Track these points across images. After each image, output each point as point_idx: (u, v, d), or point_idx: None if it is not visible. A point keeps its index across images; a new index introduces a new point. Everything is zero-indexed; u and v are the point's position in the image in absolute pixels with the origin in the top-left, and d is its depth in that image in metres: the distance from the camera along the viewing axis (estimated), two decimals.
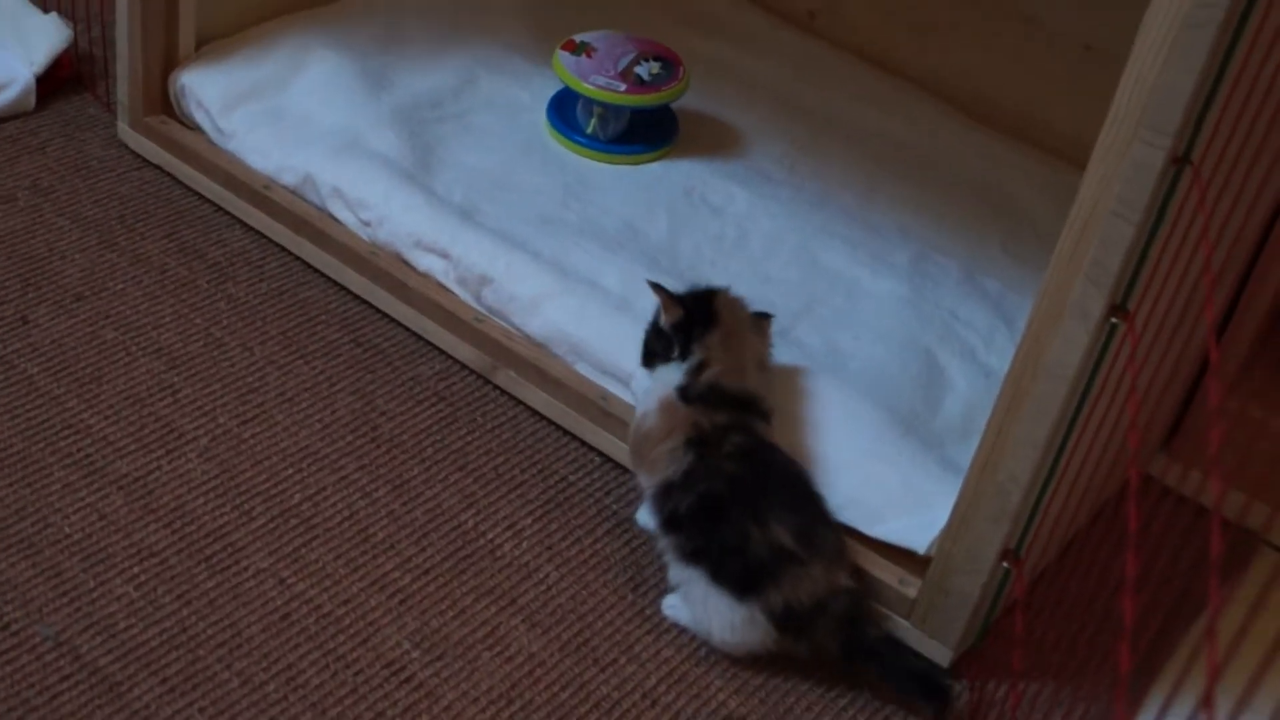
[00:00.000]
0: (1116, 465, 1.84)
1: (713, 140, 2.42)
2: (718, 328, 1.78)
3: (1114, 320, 1.46)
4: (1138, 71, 1.36)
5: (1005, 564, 1.64)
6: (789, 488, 1.71)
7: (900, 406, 1.93)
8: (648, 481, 1.76)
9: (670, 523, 1.72)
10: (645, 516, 1.83)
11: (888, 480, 1.81)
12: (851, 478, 1.81)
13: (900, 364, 2.01)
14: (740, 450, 1.71)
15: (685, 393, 1.75)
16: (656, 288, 1.81)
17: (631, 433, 1.82)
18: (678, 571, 1.72)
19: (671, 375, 1.78)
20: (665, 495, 1.72)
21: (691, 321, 1.78)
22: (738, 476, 1.69)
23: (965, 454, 1.74)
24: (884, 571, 1.76)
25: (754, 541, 1.65)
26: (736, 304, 1.84)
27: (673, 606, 1.76)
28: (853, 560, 1.74)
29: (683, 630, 1.74)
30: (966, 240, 2.26)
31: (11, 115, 2.37)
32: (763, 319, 1.87)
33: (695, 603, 1.71)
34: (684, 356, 1.77)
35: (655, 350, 1.81)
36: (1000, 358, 2.03)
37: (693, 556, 1.69)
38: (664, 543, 1.73)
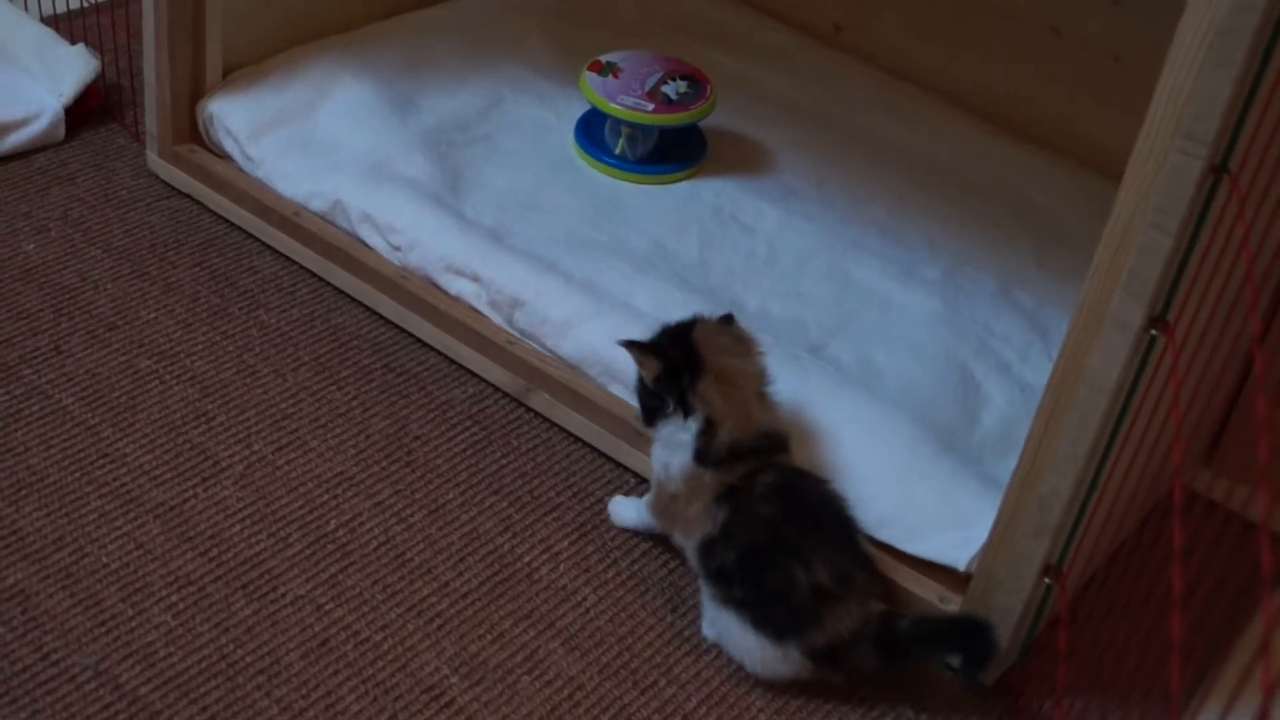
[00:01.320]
0: (1158, 479, 1.82)
1: (741, 158, 2.41)
2: (706, 372, 1.69)
3: (1153, 332, 1.45)
4: (1172, 80, 1.35)
5: (1047, 579, 1.63)
6: (826, 520, 1.68)
7: (937, 422, 1.92)
8: (684, 540, 1.74)
9: (719, 576, 1.69)
10: (627, 513, 1.84)
11: (926, 497, 1.80)
12: (889, 495, 1.80)
13: (936, 379, 2.00)
14: (772, 489, 1.67)
15: (704, 459, 1.68)
16: (628, 346, 1.73)
17: (655, 497, 1.78)
18: (714, 609, 1.71)
19: (680, 436, 1.70)
20: (708, 551, 1.69)
21: (677, 371, 1.70)
22: (775, 519, 1.66)
23: (1003, 469, 1.73)
24: (924, 589, 1.75)
25: (798, 586, 1.63)
26: (716, 333, 1.75)
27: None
28: (881, 577, 1.73)
29: (723, 652, 1.72)
30: (999, 253, 2.26)
31: (41, 146, 2.38)
32: (741, 334, 1.77)
33: (731, 638, 1.70)
34: (686, 414, 1.69)
35: (653, 408, 1.73)
36: (1036, 371, 2.02)
37: (739, 604, 1.68)
38: (709, 589, 1.72)
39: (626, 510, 1.86)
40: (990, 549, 1.66)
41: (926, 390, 1.98)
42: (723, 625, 1.70)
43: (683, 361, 1.69)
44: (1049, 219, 2.35)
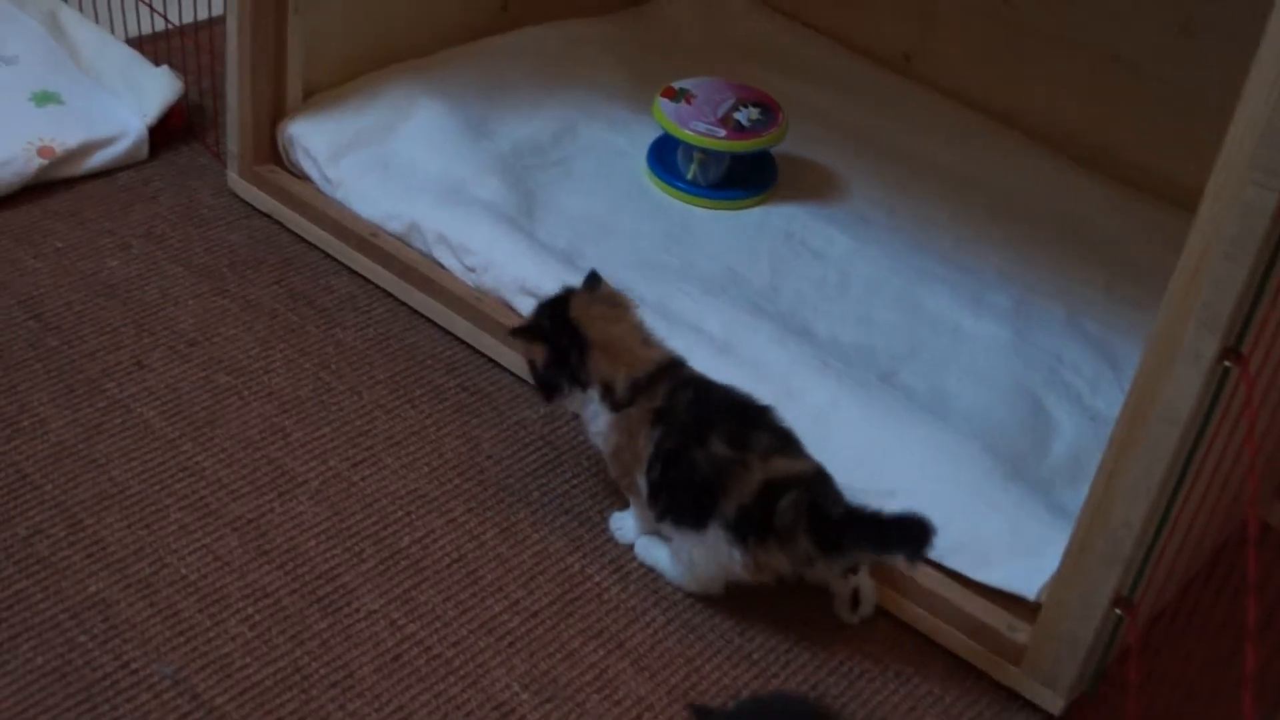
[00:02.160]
0: (1232, 511, 1.82)
1: (812, 184, 2.43)
2: (591, 348, 1.77)
3: (1227, 364, 1.45)
4: (1248, 112, 1.35)
5: (1118, 610, 1.63)
6: (727, 407, 1.75)
7: (1007, 451, 1.92)
8: (643, 481, 1.78)
9: (654, 495, 1.76)
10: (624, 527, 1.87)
11: (995, 525, 1.81)
12: (959, 523, 1.80)
13: (1006, 408, 2.00)
14: (691, 400, 1.75)
15: (615, 407, 1.77)
16: (513, 335, 1.85)
17: (609, 464, 1.83)
18: (666, 532, 1.78)
19: (590, 407, 1.80)
20: (649, 474, 1.76)
21: (564, 353, 1.79)
22: (687, 421, 1.73)
23: (1073, 499, 1.73)
24: (993, 617, 1.76)
25: (698, 464, 1.70)
26: (590, 304, 1.82)
27: (641, 549, 1.85)
28: (805, 456, 1.74)
29: (794, 673, 1.73)
30: (1069, 282, 2.26)
31: (125, 165, 2.43)
32: (613, 297, 1.85)
33: (684, 556, 1.77)
34: (584, 388, 1.79)
35: (551, 385, 1.82)
36: (1107, 401, 2.03)
37: (666, 513, 1.75)
38: (655, 521, 1.79)
39: (625, 522, 1.88)
40: (1061, 578, 1.66)
41: (996, 418, 1.99)
42: (675, 555, 1.78)
43: (568, 343, 1.78)
44: (1119, 249, 2.35)
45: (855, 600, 1.79)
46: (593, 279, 1.87)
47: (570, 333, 1.79)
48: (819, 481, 1.71)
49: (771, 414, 1.76)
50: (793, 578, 1.74)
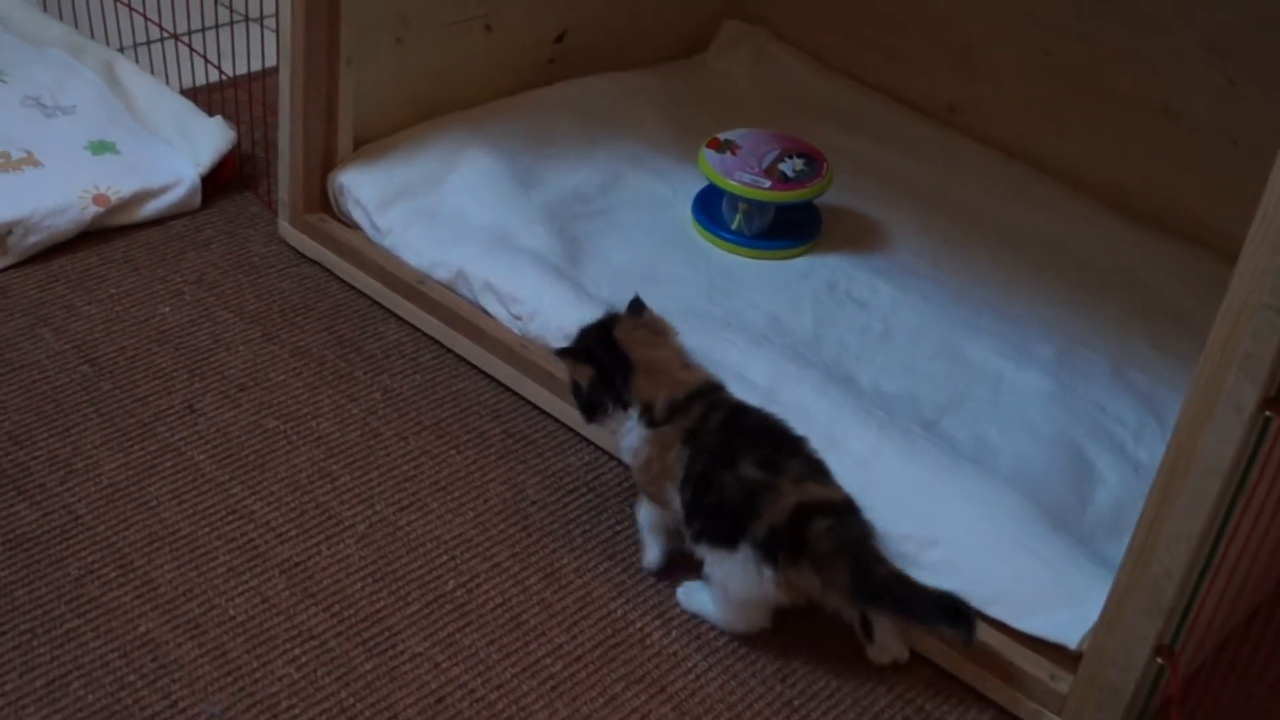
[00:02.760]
0: (1272, 564, 1.82)
1: (856, 235, 2.44)
2: (635, 370, 1.83)
3: (1268, 414, 1.45)
4: None
5: (1159, 659, 1.63)
6: (758, 432, 1.79)
7: (1049, 501, 1.92)
8: (674, 496, 1.81)
9: (689, 517, 1.79)
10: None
11: (1038, 574, 1.81)
12: (1001, 571, 1.81)
13: (1048, 458, 2.01)
14: (720, 422, 1.79)
15: (653, 423, 1.82)
16: (561, 354, 1.89)
17: (637, 473, 1.87)
18: (705, 562, 1.79)
19: (628, 425, 1.84)
20: (682, 494, 1.79)
21: (609, 375, 1.84)
22: (717, 444, 1.77)
23: (1116, 549, 1.73)
24: (1035, 666, 1.76)
25: (727, 488, 1.73)
26: (633, 328, 1.88)
27: (684, 595, 1.87)
28: (838, 488, 1.77)
29: (835, 719, 1.75)
30: (1113, 333, 2.26)
31: (179, 214, 2.47)
32: (655, 323, 1.91)
33: (720, 585, 1.78)
34: (626, 407, 1.84)
35: (593, 406, 1.86)
36: (1151, 452, 2.03)
37: (700, 536, 1.77)
38: (690, 544, 1.81)
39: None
40: (1102, 627, 1.66)
41: (1039, 469, 1.99)
42: (711, 578, 1.79)
43: (613, 365, 1.84)
44: (1163, 300, 2.36)
45: (866, 627, 1.80)
46: (636, 305, 1.93)
47: (614, 355, 1.84)
48: (850, 511, 1.74)
49: (805, 444, 1.80)
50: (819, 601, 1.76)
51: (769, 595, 1.75)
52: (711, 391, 1.84)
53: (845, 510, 1.74)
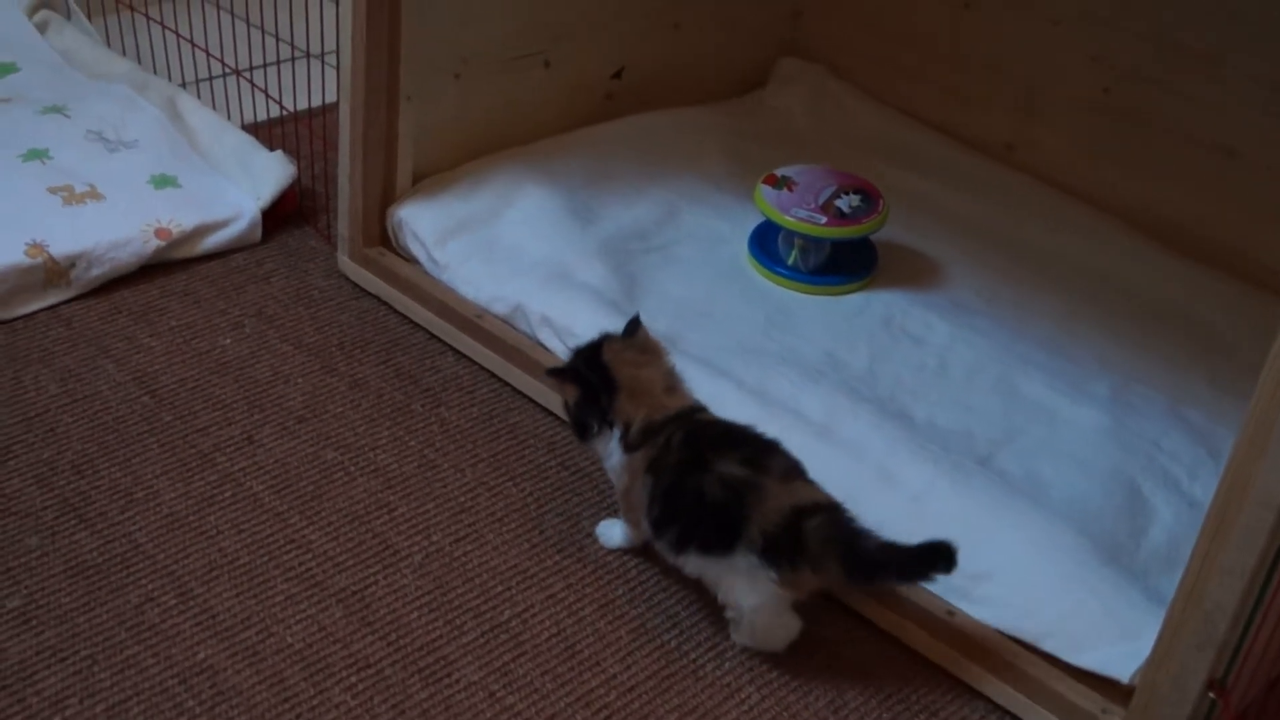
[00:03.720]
0: None
1: (912, 271, 2.45)
2: (620, 390, 1.85)
3: None
4: None
5: (1211, 694, 1.62)
6: (726, 436, 1.82)
7: (1103, 536, 1.92)
8: (647, 524, 1.85)
9: (658, 532, 1.83)
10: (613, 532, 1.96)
11: (1091, 609, 1.80)
12: (1054, 606, 1.81)
13: (1103, 494, 2.00)
14: (681, 440, 1.81)
15: (629, 446, 1.84)
16: (549, 373, 1.93)
17: (619, 498, 1.92)
18: (693, 568, 1.82)
19: (611, 445, 1.87)
20: (650, 515, 1.83)
21: (595, 394, 1.86)
22: (682, 458, 1.80)
23: (1169, 585, 1.72)
24: (1087, 701, 1.75)
25: (708, 488, 1.76)
26: (623, 349, 1.90)
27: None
28: (819, 490, 1.79)
29: None
30: (1169, 371, 2.26)
31: (239, 247, 2.50)
32: (646, 344, 1.92)
33: (741, 614, 1.79)
34: (611, 427, 1.86)
35: (582, 425, 1.89)
36: (1205, 490, 2.01)
37: (682, 544, 1.80)
38: (670, 556, 1.84)
39: (613, 530, 1.96)
40: (1154, 662, 1.65)
41: (1093, 505, 1.98)
42: (718, 583, 1.80)
43: (599, 385, 1.86)
44: (1220, 338, 2.35)
45: None
46: (632, 325, 1.94)
47: (602, 375, 1.87)
48: (836, 508, 1.77)
49: (780, 446, 1.82)
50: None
51: (782, 598, 1.77)
52: (686, 416, 1.86)
53: (832, 508, 1.77)
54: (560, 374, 1.91)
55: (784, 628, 1.81)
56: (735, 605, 1.79)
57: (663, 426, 1.83)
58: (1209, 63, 2.47)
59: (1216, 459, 2.08)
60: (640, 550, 1.97)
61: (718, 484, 1.76)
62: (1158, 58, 2.53)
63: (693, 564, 1.81)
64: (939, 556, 1.71)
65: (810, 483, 1.80)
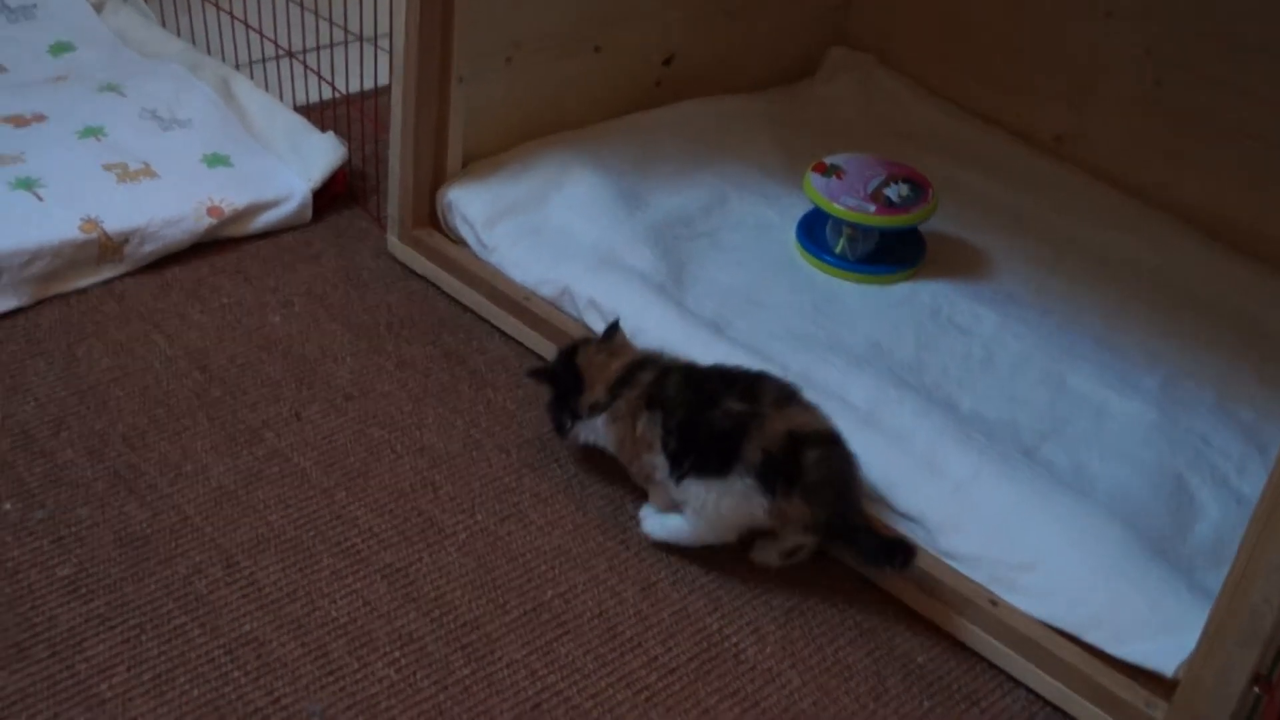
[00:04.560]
0: None
1: (960, 262, 2.45)
2: (585, 389, 1.96)
3: None
4: None
5: (1256, 689, 1.61)
6: (721, 376, 1.92)
7: (1149, 529, 1.91)
8: (656, 465, 1.91)
9: (675, 462, 1.88)
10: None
11: (1135, 601, 1.80)
12: (1098, 598, 1.80)
13: (1149, 487, 2.00)
14: (684, 379, 1.92)
15: (600, 407, 1.95)
16: (528, 373, 2.08)
17: (621, 456, 1.98)
18: (683, 494, 1.89)
19: (586, 428, 1.98)
20: (666, 448, 1.89)
21: (566, 391, 1.98)
22: (692, 393, 1.89)
23: (1215, 579, 1.72)
24: (1130, 693, 1.74)
25: (715, 421, 1.84)
26: (599, 351, 2.00)
27: (651, 527, 1.96)
28: (821, 416, 1.89)
29: None
30: (1218, 366, 2.25)
31: (290, 227, 2.52)
32: (617, 346, 2.02)
33: (703, 509, 1.86)
34: (580, 417, 1.97)
35: (560, 423, 2.01)
36: (1253, 485, 2.01)
37: (691, 471, 1.86)
38: (673, 486, 1.90)
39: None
40: (1198, 656, 1.64)
41: (1139, 498, 1.98)
42: (694, 505, 1.87)
43: (569, 385, 1.98)
44: (1270, 334, 2.33)
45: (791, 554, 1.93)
46: (611, 329, 2.05)
47: (573, 376, 1.98)
48: (837, 441, 1.86)
49: (768, 374, 1.92)
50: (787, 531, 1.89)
51: (758, 521, 1.86)
52: (648, 361, 1.97)
53: (832, 440, 1.85)
54: (537, 375, 2.05)
55: (721, 538, 1.91)
56: (705, 506, 1.86)
57: (629, 374, 1.94)
58: (1261, 56, 2.45)
59: (1265, 455, 2.07)
60: None
61: (723, 418, 1.85)
62: (1210, 51, 2.52)
63: (688, 487, 1.87)
64: (896, 553, 1.83)
65: (808, 410, 1.88)
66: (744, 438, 1.82)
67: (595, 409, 1.95)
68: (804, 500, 1.82)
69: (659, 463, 1.90)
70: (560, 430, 2.01)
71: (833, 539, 1.90)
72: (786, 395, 1.88)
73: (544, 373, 2.04)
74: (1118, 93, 2.66)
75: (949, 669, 1.83)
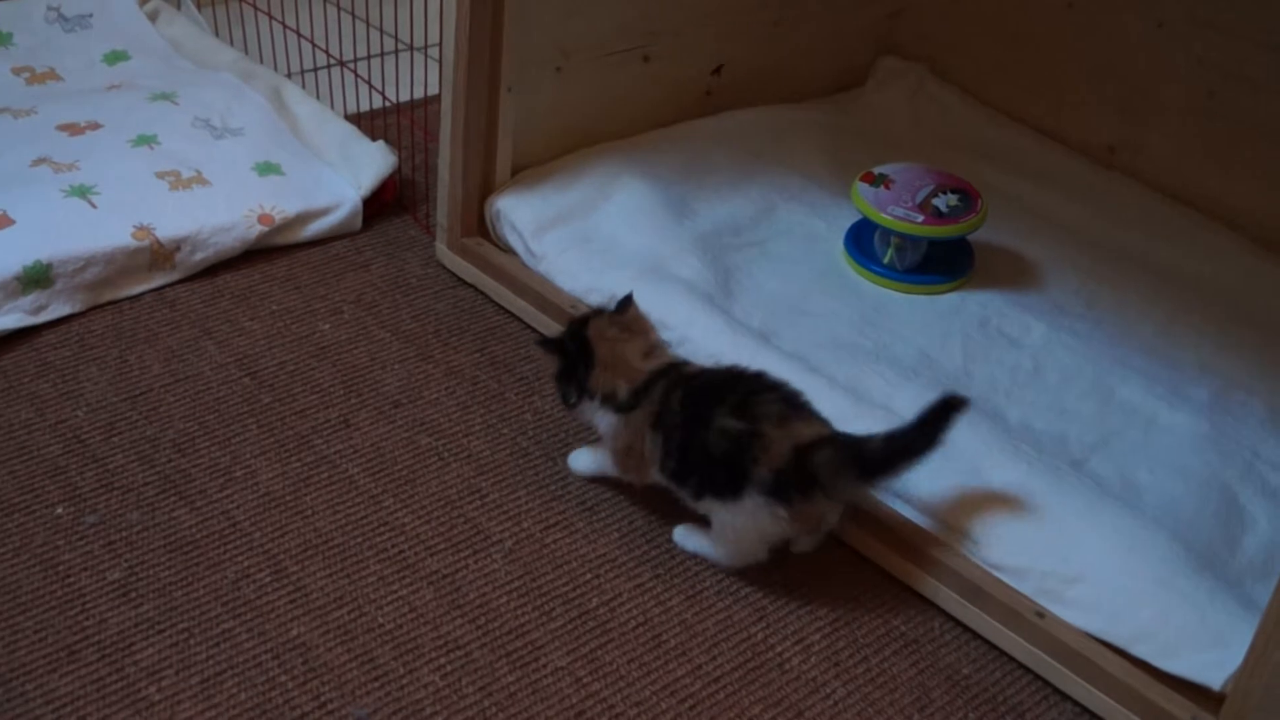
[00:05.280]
0: None
1: (1009, 272, 2.44)
2: (597, 364, 1.95)
3: None
4: None
5: None
6: (722, 386, 1.90)
7: (1197, 542, 1.90)
8: (659, 474, 1.93)
9: (679, 482, 1.91)
10: (583, 461, 2.06)
11: (1183, 614, 1.78)
12: (1146, 610, 1.79)
13: (1198, 500, 1.98)
14: (683, 396, 1.90)
15: (619, 410, 1.94)
16: (537, 343, 2.09)
17: (613, 456, 1.99)
18: (706, 509, 1.90)
19: (595, 412, 1.97)
20: (666, 468, 1.91)
21: (574, 365, 1.96)
22: (686, 414, 1.88)
23: (1264, 592, 1.71)
24: (1177, 707, 1.73)
25: (711, 443, 1.84)
26: (610, 324, 1.99)
27: (682, 536, 1.98)
28: (821, 421, 1.88)
29: None
30: (1269, 378, 2.23)
31: (340, 235, 2.53)
32: (630, 321, 2.00)
33: (727, 529, 1.88)
34: (590, 397, 1.95)
35: (564, 393, 1.99)
36: None
37: (699, 491, 1.89)
38: (691, 502, 1.92)
39: (583, 459, 2.05)
40: (1246, 669, 1.63)
41: (1188, 510, 1.97)
42: (716, 524, 1.90)
43: (579, 358, 1.96)
44: None
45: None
46: (624, 302, 2.03)
47: (583, 348, 1.96)
48: (838, 438, 1.85)
49: (766, 377, 1.91)
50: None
51: (782, 532, 1.87)
52: (669, 370, 1.94)
53: (832, 438, 1.85)
54: (546, 345, 2.02)
55: (752, 558, 1.92)
56: (727, 527, 1.88)
57: (651, 383, 1.93)
58: None
59: None
60: None
61: (720, 439, 1.84)
62: (1264, 60, 2.50)
63: (706, 505, 1.90)
64: (945, 411, 1.82)
65: (809, 419, 1.87)
66: (750, 460, 1.81)
67: (610, 401, 1.94)
68: (826, 496, 1.84)
69: (655, 474, 1.94)
70: (565, 401, 2.01)
71: (881, 475, 1.88)
72: (788, 408, 1.86)
73: (553, 343, 2.01)
74: (1171, 103, 2.65)
75: (994, 681, 1.82)
